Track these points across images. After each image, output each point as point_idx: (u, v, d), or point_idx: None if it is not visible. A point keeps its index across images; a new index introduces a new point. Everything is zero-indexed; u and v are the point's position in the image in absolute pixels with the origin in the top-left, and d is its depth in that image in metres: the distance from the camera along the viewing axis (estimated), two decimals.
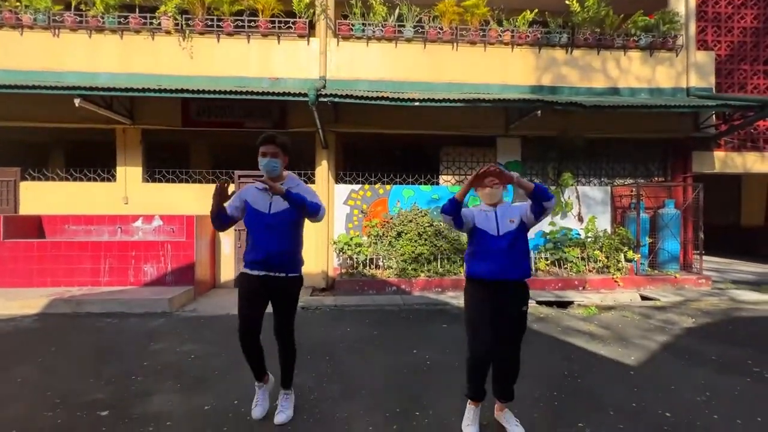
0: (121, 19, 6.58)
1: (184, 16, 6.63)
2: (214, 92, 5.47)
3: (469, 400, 2.41)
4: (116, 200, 6.91)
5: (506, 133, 7.42)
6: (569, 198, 7.52)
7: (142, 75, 6.62)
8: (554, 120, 7.08)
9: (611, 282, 6.74)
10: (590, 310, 5.33)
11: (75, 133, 7.17)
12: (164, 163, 7.24)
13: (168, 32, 6.67)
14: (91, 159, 7.32)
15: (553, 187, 7.52)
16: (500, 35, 7.09)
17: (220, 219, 2.40)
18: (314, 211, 2.39)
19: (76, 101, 5.41)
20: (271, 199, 2.45)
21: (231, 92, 5.50)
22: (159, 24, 6.59)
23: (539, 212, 2.26)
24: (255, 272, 2.44)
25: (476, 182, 2.23)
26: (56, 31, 6.58)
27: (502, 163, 7.54)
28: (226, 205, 2.40)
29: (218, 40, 6.78)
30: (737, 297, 6.17)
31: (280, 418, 2.51)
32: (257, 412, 2.52)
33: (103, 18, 6.50)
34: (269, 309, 2.51)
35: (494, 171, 2.15)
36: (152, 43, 6.72)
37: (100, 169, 7.04)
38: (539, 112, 6.01)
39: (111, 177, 7.05)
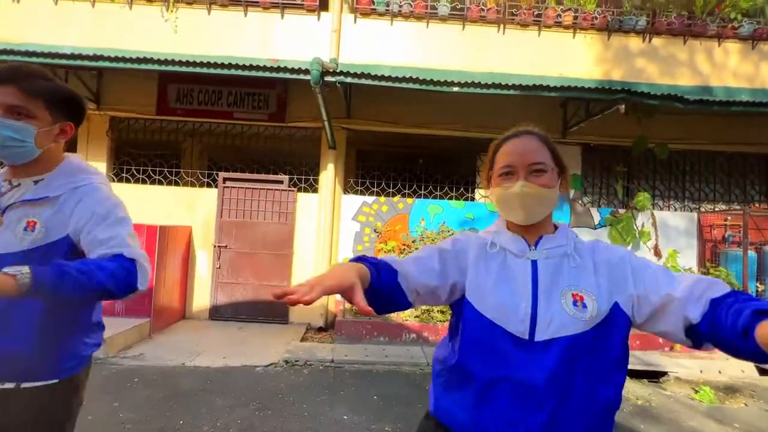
0: None
1: None
2: (187, 63, 4.11)
3: None
4: None
5: (563, 138, 5.84)
6: (644, 226, 5.81)
7: (115, 50, 5.36)
8: (624, 124, 5.45)
9: None
10: (706, 393, 3.59)
11: None
12: (136, 160, 5.91)
13: (149, 0, 5.45)
14: None
15: (622, 210, 5.85)
16: (560, 16, 5.59)
17: None
18: (109, 286, 1.01)
19: None
20: None
21: (208, 64, 4.12)
22: None
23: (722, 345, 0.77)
24: None
25: None
26: None
27: None
28: None
29: (209, 12, 5.48)
30: None
31: None
32: None
33: None
34: None
35: None
36: (129, 13, 5.47)
37: None
38: (622, 106, 4.42)
39: None
